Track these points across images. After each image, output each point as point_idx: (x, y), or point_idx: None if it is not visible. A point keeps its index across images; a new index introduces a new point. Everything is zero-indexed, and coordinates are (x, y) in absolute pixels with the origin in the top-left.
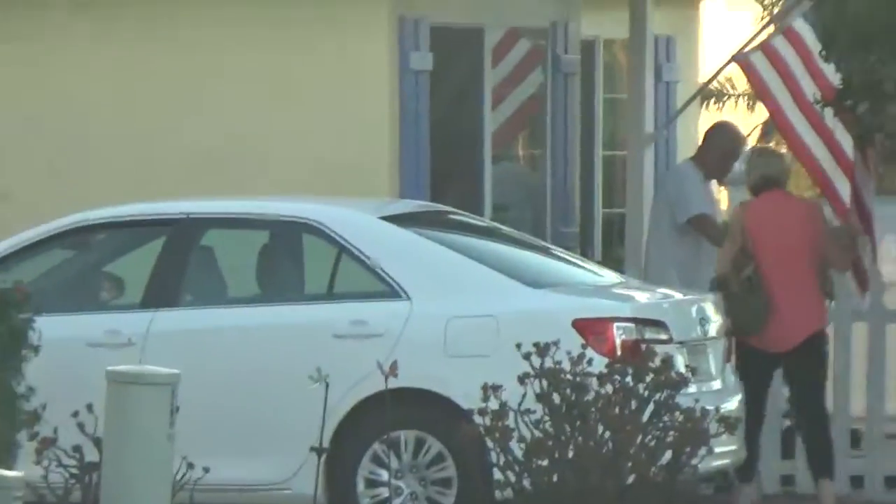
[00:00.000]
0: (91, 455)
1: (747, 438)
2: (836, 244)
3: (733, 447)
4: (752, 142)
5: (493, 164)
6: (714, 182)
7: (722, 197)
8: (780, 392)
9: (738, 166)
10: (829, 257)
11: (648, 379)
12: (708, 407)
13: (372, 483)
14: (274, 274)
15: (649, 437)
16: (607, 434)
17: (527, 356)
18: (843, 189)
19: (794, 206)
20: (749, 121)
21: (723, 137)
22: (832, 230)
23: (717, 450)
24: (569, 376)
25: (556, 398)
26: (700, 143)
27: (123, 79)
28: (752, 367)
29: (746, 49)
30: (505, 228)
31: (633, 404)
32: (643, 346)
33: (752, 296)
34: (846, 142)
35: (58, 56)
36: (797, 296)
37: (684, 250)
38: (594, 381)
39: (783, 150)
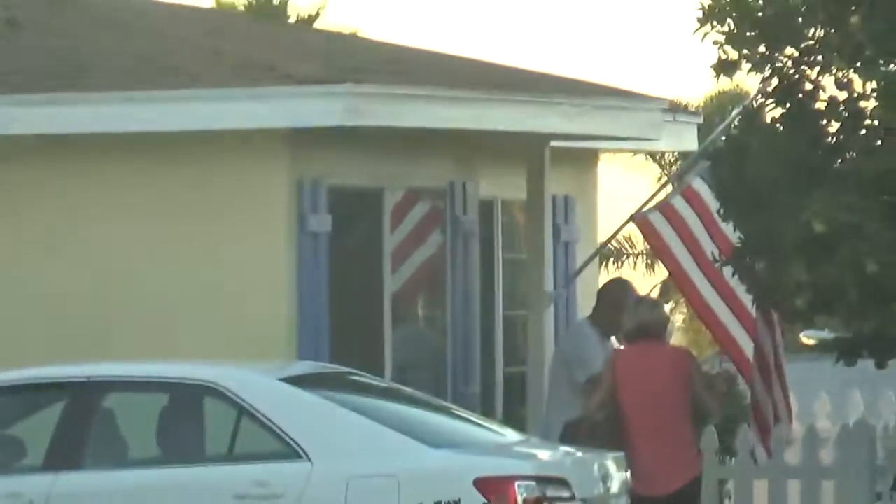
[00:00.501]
0: None
1: None
2: (709, 391)
3: None
4: None
5: (393, 325)
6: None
7: None
8: None
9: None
10: (702, 404)
11: None
12: None
13: None
14: (175, 436)
15: None
16: None
17: None
18: (747, 346)
19: (662, 355)
20: (648, 280)
21: (615, 293)
22: (706, 377)
23: None
24: None
25: None
26: (595, 301)
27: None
28: None
29: (645, 208)
30: (405, 389)
31: None
32: None
33: (592, 441)
34: (747, 299)
35: None
36: (662, 445)
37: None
38: None
39: (682, 308)
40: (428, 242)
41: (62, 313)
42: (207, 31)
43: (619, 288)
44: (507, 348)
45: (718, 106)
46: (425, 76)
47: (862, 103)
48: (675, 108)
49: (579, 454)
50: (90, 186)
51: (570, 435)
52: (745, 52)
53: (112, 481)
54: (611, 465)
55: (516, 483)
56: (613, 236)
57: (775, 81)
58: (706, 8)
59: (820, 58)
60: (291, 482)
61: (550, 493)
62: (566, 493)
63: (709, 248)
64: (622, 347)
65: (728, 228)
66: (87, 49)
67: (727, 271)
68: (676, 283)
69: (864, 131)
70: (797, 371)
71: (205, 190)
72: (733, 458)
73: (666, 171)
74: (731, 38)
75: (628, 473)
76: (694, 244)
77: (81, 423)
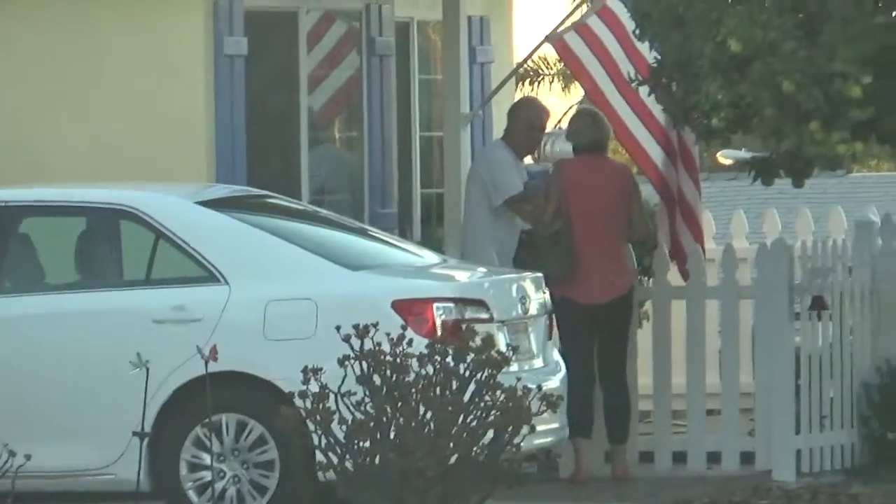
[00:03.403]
0: None
1: (579, 397)
2: (642, 213)
3: (555, 425)
4: (567, 121)
5: (310, 148)
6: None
7: None
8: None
9: (560, 148)
10: (633, 227)
11: (469, 359)
12: (530, 385)
13: (195, 467)
14: (92, 260)
15: (471, 416)
16: (429, 414)
17: (346, 338)
18: (663, 165)
19: (610, 170)
20: (564, 100)
21: (526, 112)
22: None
23: (540, 428)
24: (389, 358)
25: (377, 380)
26: (508, 122)
27: None
28: (568, 319)
29: (560, 28)
30: (323, 211)
31: (455, 384)
32: (463, 326)
33: (555, 247)
34: (664, 119)
35: None
36: (606, 255)
37: (500, 230)
38: (415, 362)
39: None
40: (344, 64)
41: None
42: None
43: (528, 105)
44: (424, 169)
45: None
46: None
47: None
48: None
49: (497, 275)
50: (8, 11)
51: (528, 243)
52: None
53: (29, 306)
54: (529, 286)
55: (434, 305)
56: (529, 57)
57: None
58: None
59: None
60: (209, 306)
61: (469, 314)
62: (484, 315)
63: (625, 67)
64: (568, 158)
65: (644, 48)
66: None
67: (643, 91)
68: (594, 104)
69: None
70: (715, 191)
71: (118, 13)
72: (650, 279)
73: None
74: None
75: (547, 294)
76: (610, 64)
77: None
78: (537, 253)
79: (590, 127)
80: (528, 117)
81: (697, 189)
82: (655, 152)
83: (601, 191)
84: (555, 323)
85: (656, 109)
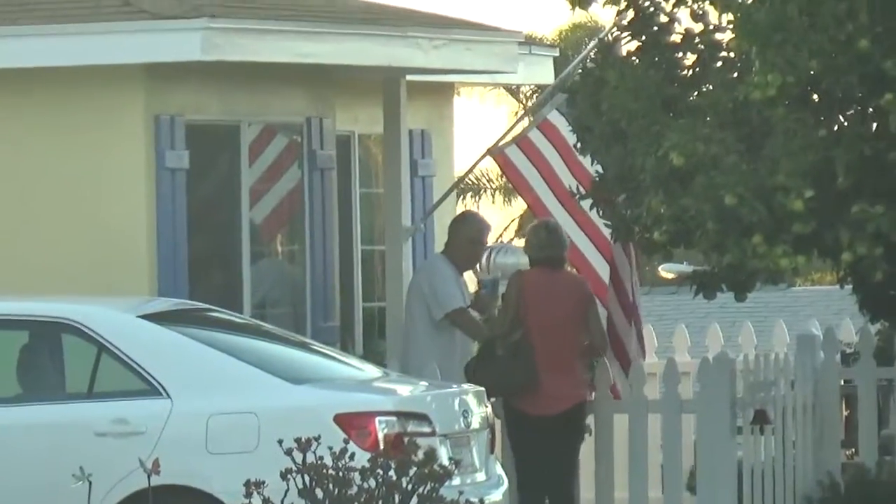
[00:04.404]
0: None
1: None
2: (600, 326)
3: None
4: (509, 234)
5: (252, 261)
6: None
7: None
8: None
9: (512, 261)
10: (592, 339)
11: (412, 472)
12: (472, 499)
13: None
14: (34, 373)
15: None
16: None
17: (289, 452)
18: (607, 277)
19: (567, 282)
20: (506, 213)
21: (466, 226)
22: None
23: None
24: (331, 471)
25: (319, 493)
26: (448, 236)
27: None
28: (521, 430)
29: (502, 142)
30: (265, 325)
31: (397, 498)
32: (406, 440)
33: (515, 358)
34: (607, 231)
35: None
36: (560, 367)
37: (440, 344)
38: (357, 476)
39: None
40: (285, 178)
41: None
42: None
43: (470, 220)
44: (366, 283)
45: (573, 39)
46: (281, 10)
47: (718, 35)
48: (531, 42)
49: (439, 389)
50: None
51: (486, 354)
52: None
53: None
54: (471, 400)
55: (377, 419)
56: (470, 171)
57: (631, 14)
58: None
59: None
60: (151, 420)
61: (411, 428)
62: (427, 429)
63: (567, 181)
64: (526, 270)
65: (586, 161)
66: None
67: (586, 204)
68: (535, 216)
69: (719, 63)
70: (656, 304)
71: (60, 127)
72: (593, 393)
73: (522, 105)
74: None
75: (489, 408)
76: (552, 177)
77: None
78: (497, 364)
79: (547, 241)
80: (468, 231)
81: (624, 312)
82: (602, 268)
83: (558, 303)
84: (505, 433)
85: (600, 222)
